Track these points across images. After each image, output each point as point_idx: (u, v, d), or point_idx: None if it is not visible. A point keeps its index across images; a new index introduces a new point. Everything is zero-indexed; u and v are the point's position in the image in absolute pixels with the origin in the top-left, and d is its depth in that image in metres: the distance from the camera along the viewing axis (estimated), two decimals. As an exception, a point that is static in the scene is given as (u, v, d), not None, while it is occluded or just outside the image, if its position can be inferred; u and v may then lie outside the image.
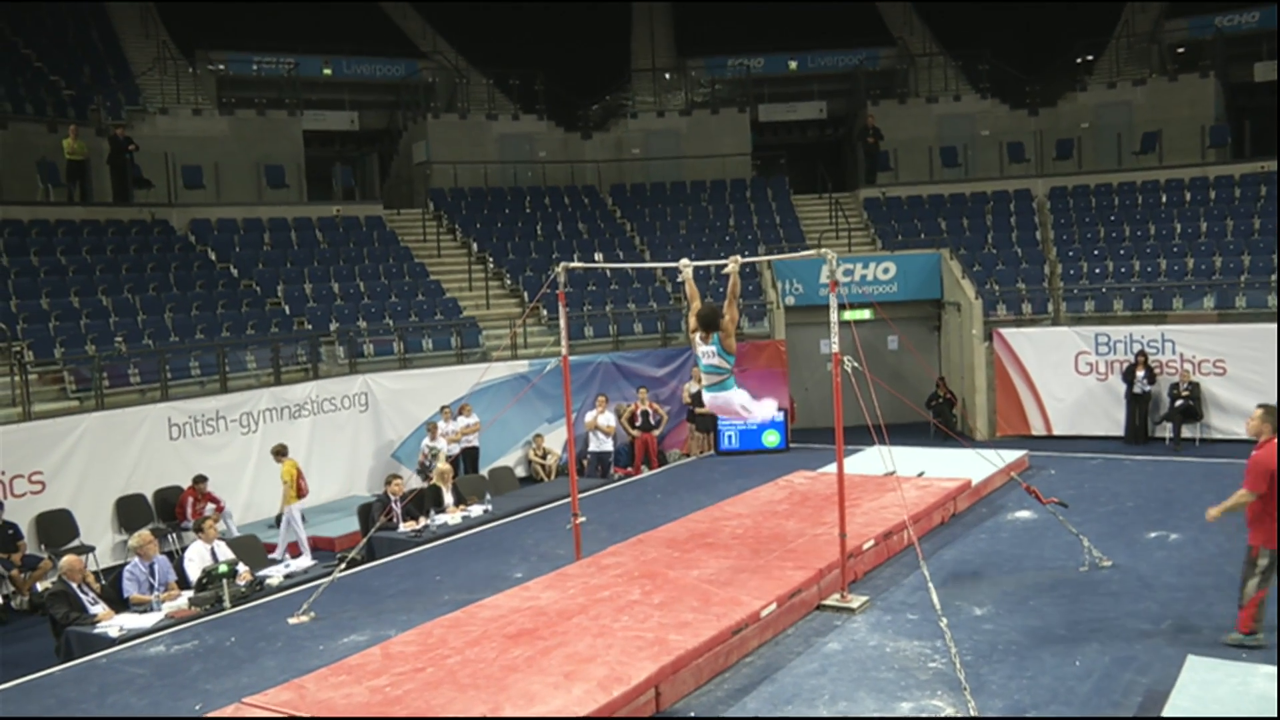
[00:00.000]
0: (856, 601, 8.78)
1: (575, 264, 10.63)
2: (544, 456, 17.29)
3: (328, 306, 18.34)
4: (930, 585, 7.82)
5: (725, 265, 8.81)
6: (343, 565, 9.93)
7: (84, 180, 19.15)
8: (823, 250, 8.72)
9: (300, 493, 13.52)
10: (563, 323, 9.94)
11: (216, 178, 20.69)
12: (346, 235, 20.90)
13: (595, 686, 6.81)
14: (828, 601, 8.82)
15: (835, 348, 8.76)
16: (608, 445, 16.97)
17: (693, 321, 8.80)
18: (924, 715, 6.80)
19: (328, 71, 24.76)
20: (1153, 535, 10.52)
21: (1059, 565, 9.65)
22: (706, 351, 8.65)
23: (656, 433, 17.50)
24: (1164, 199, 21.44)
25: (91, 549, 13.22)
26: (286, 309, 18.15)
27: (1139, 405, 17.61)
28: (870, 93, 25.54)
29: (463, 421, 16.67)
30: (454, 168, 23.17)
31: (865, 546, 9.60)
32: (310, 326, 17.77)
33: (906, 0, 28.32)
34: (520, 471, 17.13)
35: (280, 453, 13.74)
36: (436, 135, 23.69)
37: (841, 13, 27.97)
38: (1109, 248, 20.29)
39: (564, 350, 10.07)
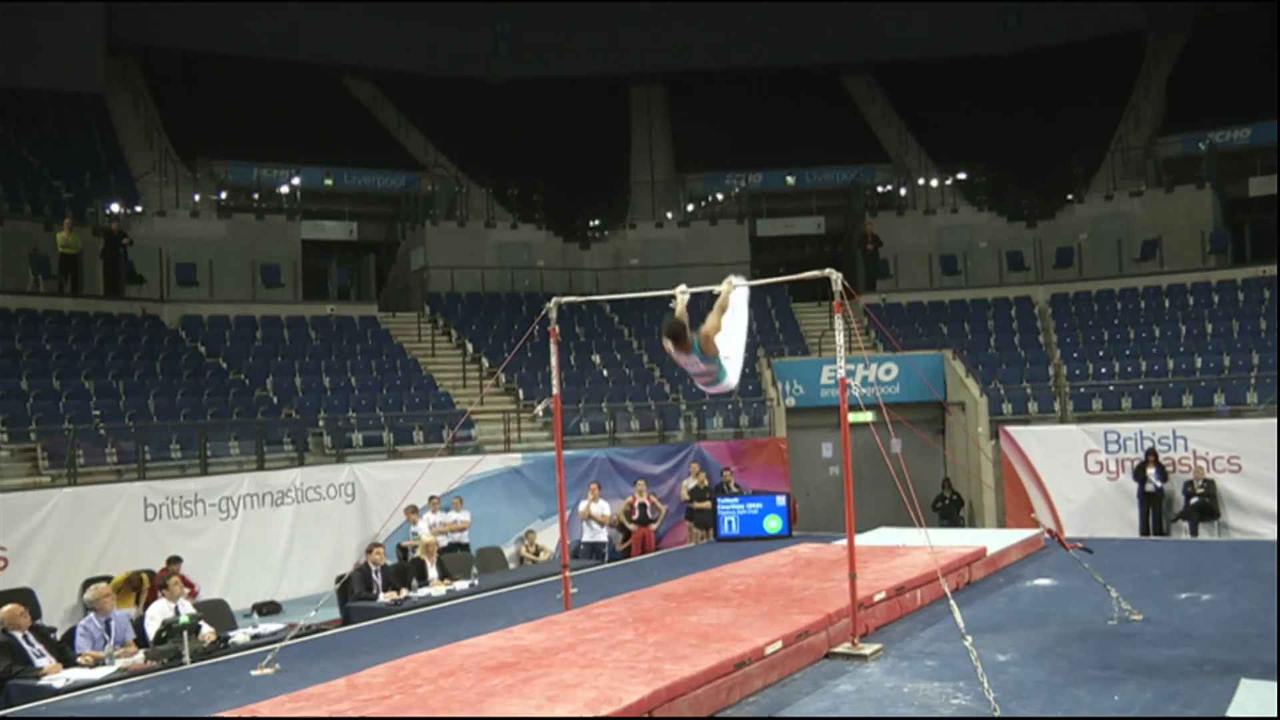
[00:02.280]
0: (869, 649, 8.06)
1: (569, 298, 10.18)
2: (536, 553, 16.54)
3: (317, 398, 17.92)
4: (954, 603, 7.18)
5: (720, 288, 8.49)
6: (313, 614, 9.20)
7: (76, 273, 18.93)
8: (827, 270, 8.30)
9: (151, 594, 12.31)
10: (554, 360, 9.49)
11: (211, 276, 20.52)
12: (340, 333, 20.58)
13: (582, 707, 6.09)
14: (838, 649, 8.09)
15: (842, 373, 8.34)
16: (602, 535, 16.27)
17: (665, 343, 8.17)
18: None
19: (329, 182, 24.91)
20: (1184, 596, 9.81)
21: (1086, 620, 8.91)
22: (690, 360, 8.10)
23: (654, 527, 16.83)
24: (1167, 303, 21.24)
25: (53, 630, 12.42)
26: (274, 399, 17.69)
27: (1152, 504, 17.00)
28: (868, 205, 25.67)
29: (453, 516, 16.06)
30: (451, 273, 23.04)
31: (876, 598, 8.90)
32: (298, 416, 17.28)
33: (900, 121, 28.78)
34: (513, 568, 16.36)
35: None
36: (435, 242, 23.64)
37: (837, 133, 28.39)
38: (1114, 349, 19.99)
39: (555, 389, 9.59)
